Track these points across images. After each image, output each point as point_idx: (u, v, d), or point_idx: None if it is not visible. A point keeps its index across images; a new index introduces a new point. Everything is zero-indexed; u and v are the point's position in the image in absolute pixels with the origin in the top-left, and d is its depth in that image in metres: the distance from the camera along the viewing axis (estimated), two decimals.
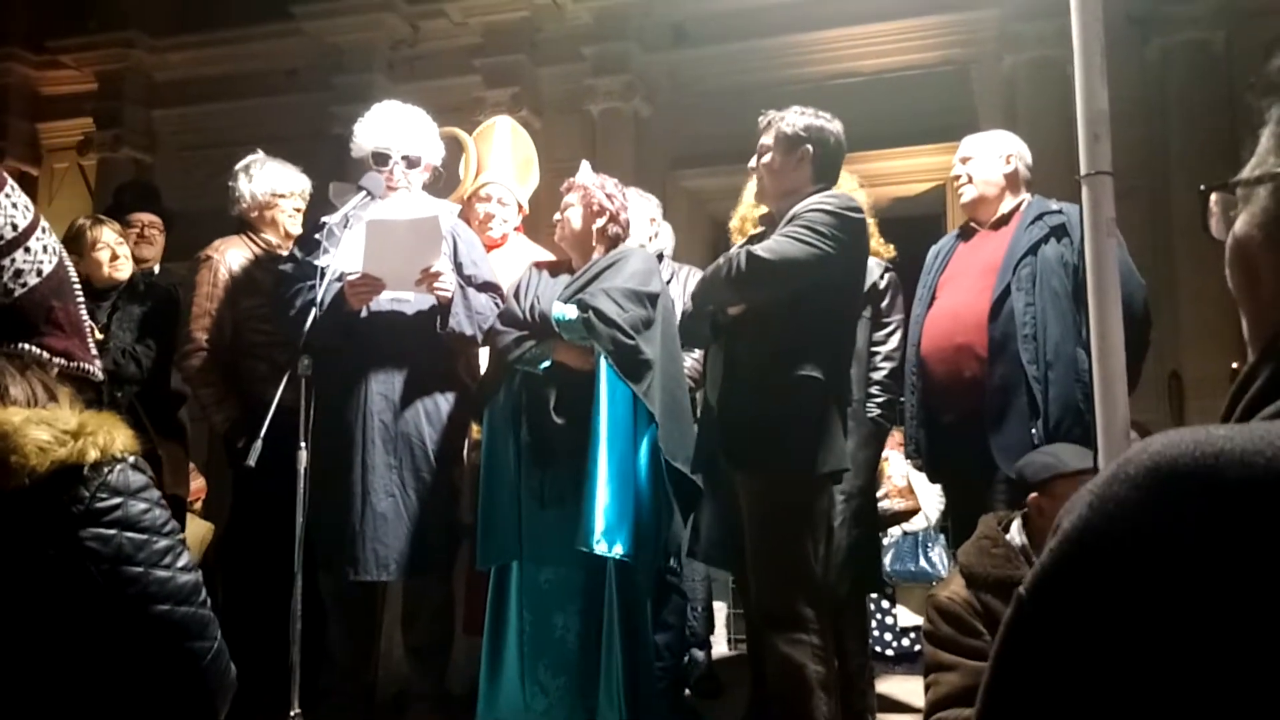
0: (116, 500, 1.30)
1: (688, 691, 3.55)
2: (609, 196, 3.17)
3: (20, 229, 1.50)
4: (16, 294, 1.50)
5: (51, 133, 7.23)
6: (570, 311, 2.97)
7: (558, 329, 2.98)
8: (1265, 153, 0.76)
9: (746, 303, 2.74)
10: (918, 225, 5.06)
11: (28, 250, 1.52)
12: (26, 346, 1.46)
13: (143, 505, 1.32)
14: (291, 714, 2.74)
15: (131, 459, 1.34)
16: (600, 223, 3.15)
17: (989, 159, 3.24)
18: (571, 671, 2.96)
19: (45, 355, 1.47)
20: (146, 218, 4.02)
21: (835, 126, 2.85)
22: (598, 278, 3.06)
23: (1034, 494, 2.55)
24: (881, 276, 3.28)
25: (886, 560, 4.41)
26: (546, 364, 3.01)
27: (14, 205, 1.50)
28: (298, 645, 2.75)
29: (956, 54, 5.70)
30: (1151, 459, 0.64)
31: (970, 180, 3.25)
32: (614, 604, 2.89)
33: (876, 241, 3.38)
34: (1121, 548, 0.62)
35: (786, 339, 2.67)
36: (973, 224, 3.32)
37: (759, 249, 2.67)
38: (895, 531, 4.47)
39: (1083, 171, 2.27)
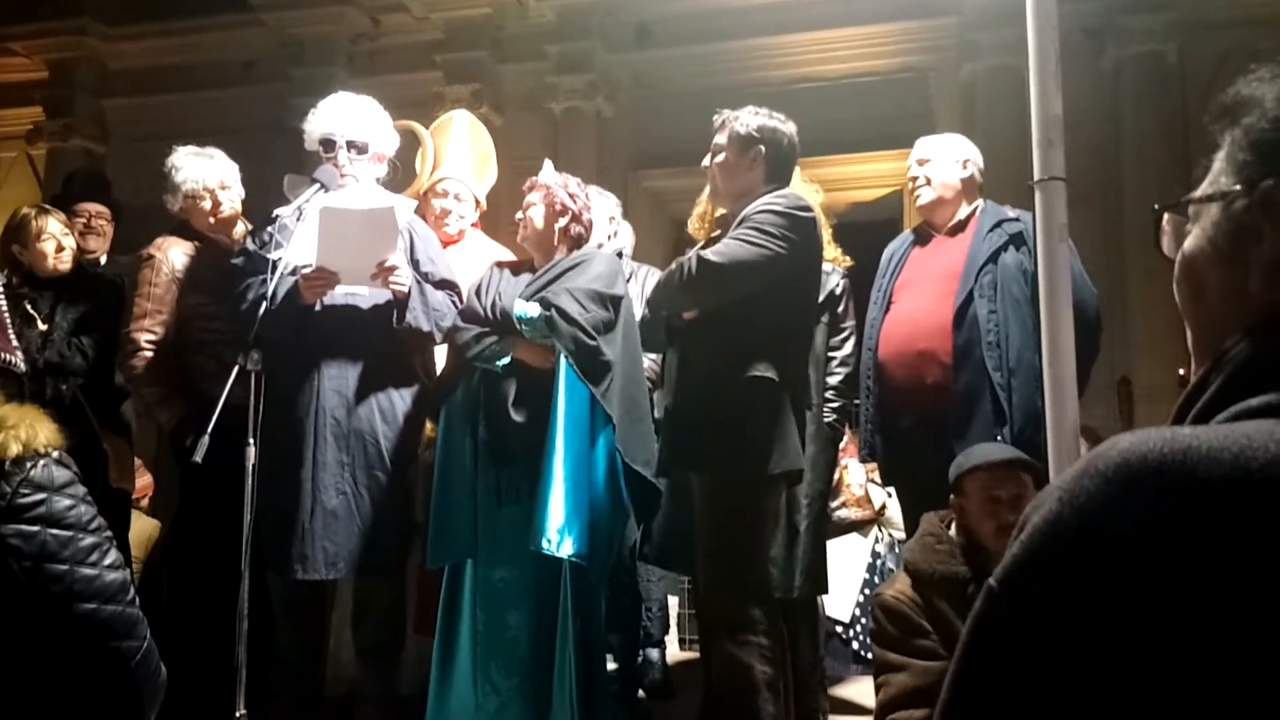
0: (40, 496, 1.26)
1: (641, 692, 3.54)
2: (571, 196, 3.15)
3: None
4: None
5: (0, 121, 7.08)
6: (532, 309, 2.95)
7: (519, 326, 2.96)
8: (1217, 174, 0.80)
9: (699, 307, 2.74)
10: (875, 230, 5.09)
11: None
12: None
13: (67, 501, 1.29)
14: (237, 715, 2.69)
15: (55, 454, 1.30)
16: (563, 222, 3.14)
17: (947, 163, 3.26)
18: (524, 672, 2.94)
19: None
20: (94, 208, 3.93)
21: (789, 128, 2.86)
22: (561, 277, 3.04)
23: (952, 495, 2.59)
24: (837, 284, 3.29)
25: (887, 568, 4.42)
26: (506, 361, 2.99)
27: None
28: (244, 645, 2.70)
29: (916, 60, 5.77)
30: (1121, 454, 0.66)
31: (928, 183, 3.26)
32: (568, 604, 2.88)
33: (834, 249, 3.40)
34: (1093, 539, 0.64)
35: (739, 340, 2.67)
36: (928, 227, 3.34)
37: (709, 253, 2.67)
38: (887, 538, 4.49)
39: (1036, 177, 2.30)
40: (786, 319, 2.74)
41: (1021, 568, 0.67)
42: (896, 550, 4.62)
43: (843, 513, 4.05)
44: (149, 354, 3.32)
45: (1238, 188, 0.77)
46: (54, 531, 1.26)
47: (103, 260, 3.95)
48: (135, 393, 3.52)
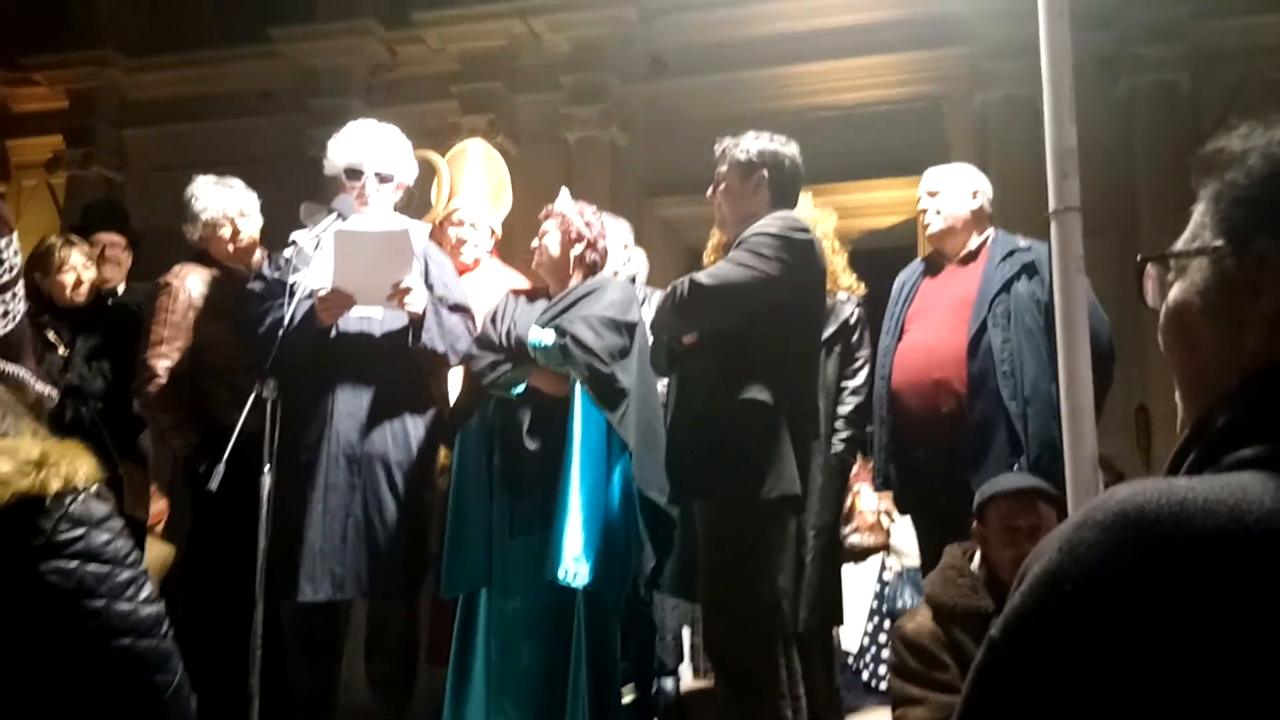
0: (79, 531, 1.25)
1: None
2: (587, 224, 3.17)
3: (18, 267, 1.48)
4: (13, 323, 1.46)
5: (21, 150, 7.16)
6: (547, 337, 2.96)
7: (533, 354, 2.96)
8: (1198, 227, 0.82)
9: (694, 330, 2.73)
10: (889, 257, 5.09)
11: (19, 281, 1.49)
12: (20, 373, 1.42)
13: (106, 536, 1.28)
14: None
15: (94, 488, 1.30)
16: (578, 250, 3.15)
17: (957, 193, 3.27)
18: (537, 702, 2.93)
19: (31, 381, 1.43)
20: (110, 237, 3.97)
21: (790, 149, 2.86)
22: (575, 304, 3.05)
23: (975, 523, 2.57)
24: (852, 313, 3.28)
25: (904, 596, 4.38)
26: (521, 389, 2.99)
27: (14, 250, 1.47)
28: (257, 672, 2.69)
29: (930, 90, 5.79)
30: (1119, 505, 0.68)
31: (939, 213, 3.26)
32: (582, 634, 2.86)
33: (849, 277, 3.39)
34: (1091, 589, 0.65)
35: (734, 364, 2.65)
36: (939, 257, 3.34)
37: (701, 275, 2.68)
38: (897, 566, 4.46)
39: (1051, 208, 2.30)
40: (784, 342, 2.71)
41: (1021, 618, 0.69)
42: (905, 578, 4.59)
43: (854, 539, 4.02)
44: (164, 380, 3.34)
45: (1220, 244, 0.79)
46: (92, 567, 1.25)
47: (119, 289, 3.98)
48: (151, 418, 3.54)
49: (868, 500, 4.09)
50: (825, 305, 2.94)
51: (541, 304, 3.15)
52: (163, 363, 3.35)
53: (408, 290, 3.00)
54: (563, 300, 3.10)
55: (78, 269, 3.62)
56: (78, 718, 1.25)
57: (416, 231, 3.24)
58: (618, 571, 2.88)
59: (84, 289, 3.62)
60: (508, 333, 3.06)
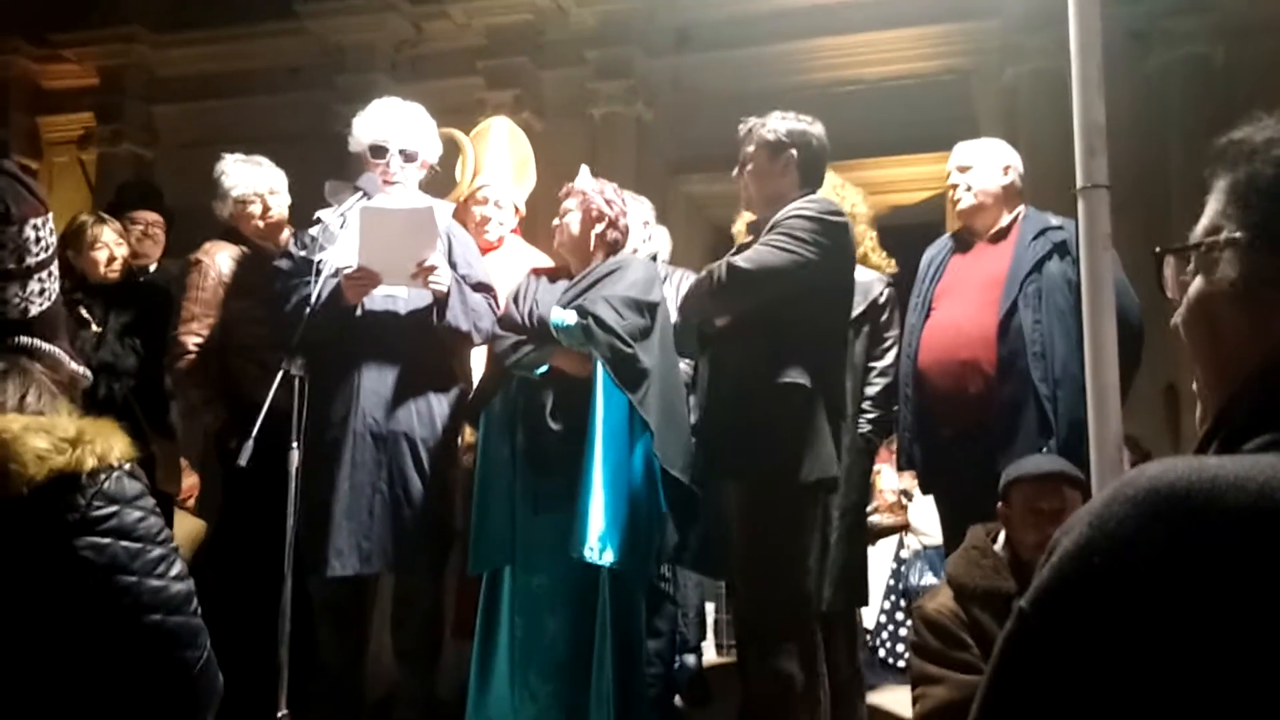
0: (112, 508, 1.28)
1: (677, 698, 3.53)
2: (608, 202, 3.16)
3: (53, 246, 1.48)
4: (50, 301, 1.47)
5: (52, 126, 7.23)
6: (569, 317, 2.96)
7: (556, 334, 2.97)
8: (1219, 217, 0.83)
9: (730, 314, 2.73)
10: (917, 233, 5.04)
11: (55, 259, 1.50)
12: (55, 351, 1.43)
13: (138, 514, 1.30)
14: (279, 715, 2.73)
15: (127, 466, 1.32)
16: (599, 228, 3.15)
17: (989, 169, 3.23)
18: (562, 678, 2.96)
19: (65, 360, 1.45)
20: (150, 217, 4.02)
21: (817, 129, 2.84)
22: (597, 284, 3.05)
23: (1000, 503, 2.57)
24: (881, 293, 3.26)
25: (913, 575, 4.39)
26: (543, 369, 3.00)
27: (49, 229, 1.47)
28: (286, 645, 2.74)
29: (958, 63, 5.71)
30: (1150, 481, 0.69)
31: (969, 189, 3.22)
32: (606, 611, 2.89)
33: (878, 255, 3.37)
34: (1121, 563, 0.67)
35: (771, 346, 2.65)
36: (968, 234, 3.30)
37: (739, 259, 2.67)
38: (915, 544, 4.46)
39: (1079, 185, 2.28)
40: (819, 325, 2.72)
41: (1051, 590, 0.70)
42: (922, 557, 4.58)
43: (875, 519, 4.02)
44: (194, 357, 3.39)
45: (1245, 235, 0.80)
46: (124, 543, 1.28)
47: (153, 267, 4.03)
48: (181, 394, 3.59)
49: (888, 480, 4.09)
50: (853, 286, 2.93)
51: (563, 284, 3.15)
52: (193, 339, 3.39)
53: (432, 268, 3.01)
54: (584, 280, 3.10)
55: (110, 246, 3.67)
56: (108, 692, 1.27)
57: (440, 209, 3.25)
58: (641, 549, 2.89)
59: (116, 266, 3.67)
60: (530, 313, 3.07)
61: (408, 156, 3.25)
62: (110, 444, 1.30)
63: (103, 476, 1.28)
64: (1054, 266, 3.05)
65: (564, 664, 2.95)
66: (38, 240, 1.43)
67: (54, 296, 1.47)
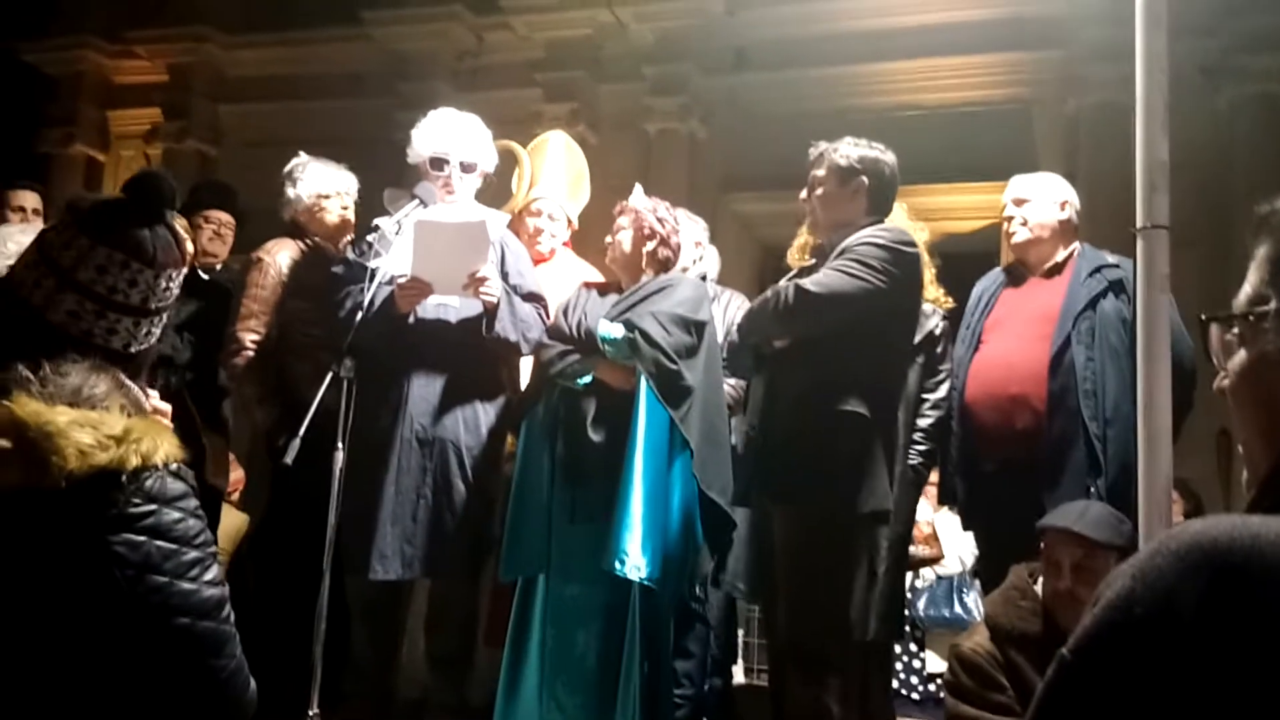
0: (150, 507, 1.28)
1: None
2: (660, 220, 3.18)
3: (175, 295, 1.55)
4: (149, 344, 1.53)
5: (120, 120, 7.41)
6: (616, 330, 2.98)
7: (602, 346, 2.99)
8: (1260, 285, 0.86)
9: (793, 336, 2.71)
10: (969, 263, 4.99)
11: (170, 309, 1.56)
12: (135, 390, 1.45)
13: (176, 515, 1.30)
14: (310, 713, 2.76)
15: (173, 466, 1.32)
16: (650, 246, 3.17)
17: (1045, 204, 3.19)
18: (589, 690, 2.95)
19: (144, 400, 1.46)
20: (224, 216, 4.09)
21: (889, 158, 2.83)
22: (646, 300, 3.07)
23: (1041, 544, 2.53)
24: (936, 325, 3.22)
25: (920, 604, 4.34)
26: (587, 380, 3.02)
27: (179, 282, 1.55)
28: (321, 643, 2.77)
29: (1019, 93, 5.66)
30: (1193, 536, 0.70)
31: (1024, 223, 3.19)
32: (636, 627, 2.88)
33: (936, 290, 3.32)
34: (1162, 614, 0.68)
35: (832, 373, 2.63)
36: (1021, 267, 3.26)
37: (807, 282, 2.64)
38: (929, 575, 4.41)
39: (1139, 224, 2.24)
40: (881, 355, 2.70)
41: (1092, 639, 0.71)
42: (936, 588, 4.50)
43: (912, 550, 3.96)
44: (250, 353, 3.45)
45: None
46: (159, 543, 1.27)
47: (218, 266, 4.10)
48: (235, 390, 3.65)
49: (922, 511, 4.03)
50: (918, 318, 2.90)
51: (612, 297, 3.17)
52: (250, 336, 3.46)
53: (484, 279, 3.05)
54: (633, 295, 3.12)
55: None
56: (133, 694, 1.26)
57: (494, 221, 3.29)
58: (674, 567, 2.89)
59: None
60: (578, 324, 3.09)
61: (467, 168, 3.29)
62: (156, 443, 1.30)
63: (145, 475, 1.28)
64: (1108, 305, 3.00)
65: (592, 677, 2.95)
66: (165, 289, 1.50)
67: (154, 340, 1.52)
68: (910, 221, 3.29)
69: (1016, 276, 3.27)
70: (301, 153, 3.71)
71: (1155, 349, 2.18)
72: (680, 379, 2.92)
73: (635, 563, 2.78)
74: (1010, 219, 3.22)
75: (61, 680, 1.24)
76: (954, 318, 3.35)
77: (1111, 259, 3.09)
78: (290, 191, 3.63)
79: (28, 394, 1.26)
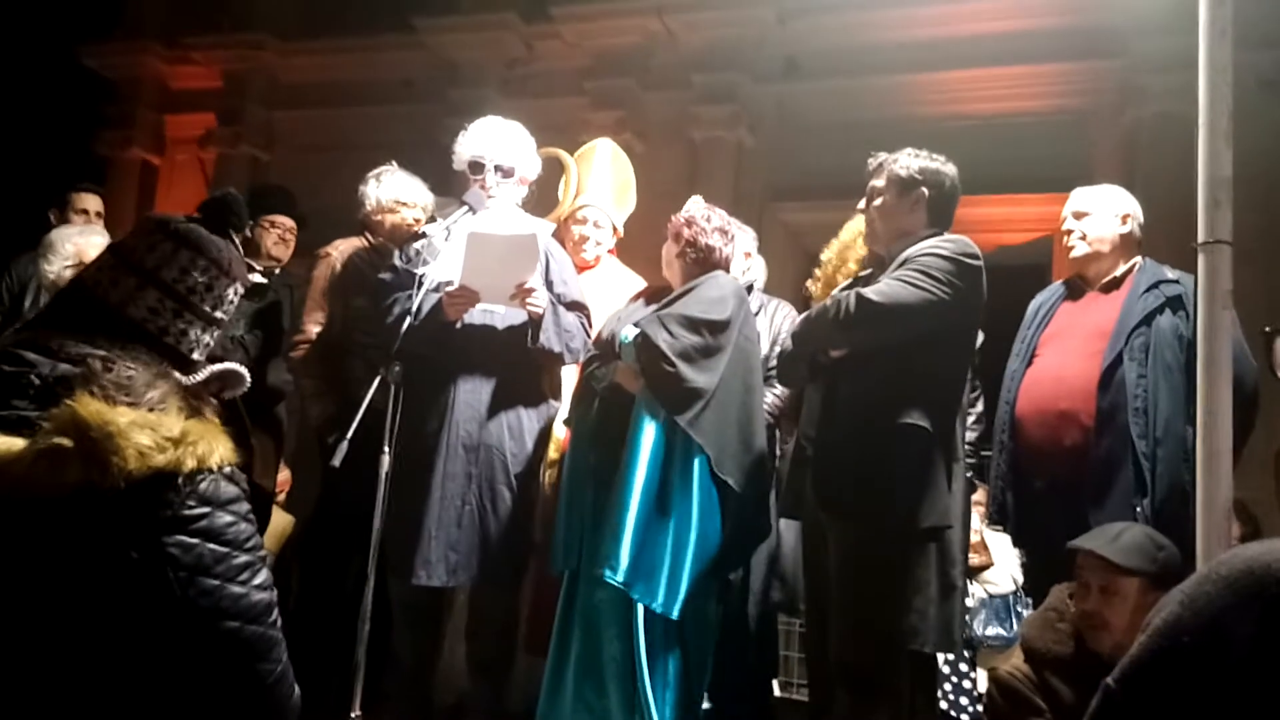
0: (204, 510, 1.29)
1: None
2: (716, 230, 3.17)
3: (233, 311, 1.61)
4: (205, 354, 1.57)
5: (176, 125, 7.56)
6: (631, 334, 2.98)
7: (618, 350, 3.00)
8: None
9: (853, 346, 2.66)
10: (1021, 275, 4.92)
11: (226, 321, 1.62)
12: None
13: (229, 518, 1.31)
14: (353, 715, 2.78)
15: (227, 469, 1.33)
16: (700, 256, 3.16)
17: (1105, 217, 3.13)
18: (617, 693, 2.94)
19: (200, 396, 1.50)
20: (288, 221, 4.16)
21: (950, 169, 2.80)
22: (673, 303, 3.06)
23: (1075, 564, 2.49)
24: (977, 341, 3.18)
25: (975, 623, 4.26)
26: (604, 384, 3.03)
27: (239, 296, 1.61)
28: (364, 645, 2.79)
29: (1075, 103, 5.57)
30: (1246, 563, 0.69)
31: (1084, 237, 3.13)
32: (636, 632, 2.85)
33: None
34: (1211, 642, 0.66)
35: (893, 385, 2.58)
36: (1080, 281, 3.20)
37: (869, 292, 2.59)
38: (981, 593, 4.33)
39: (1200, 239, 2.19)
40: (943, 367, 2.65)
41: (1139, 668, 0.69)
42: (988, 606, 4.41)
43: None
44: (311, 346, 3.53)
45: None
46: (211, 546, 1.29)
47: (276, 270, 4.17)
48: (296, 382, 3.72)
49: (973, 521, 3.97)
50: (978, 331, 2.85)
51: (654, 305, 3.17)
52: (314, 328, 3.54)
53: (530, 290, 3.08)
54: (666, 299, 3.11)
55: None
56: (179, 696, 1.27)
57: (541, 231, 3.30)
58: (686, 573, 2.83)
59: None
60: (610, 331, 3.12)
61: (504, 172, 3.32)
62: (212, 447, 1.31)
63: (200, 478, 1.29)
64: (1165, 321, 2.93)
65: (620, 680, 2.93)
66: (231, 301, 1.57)
67: (207, 353, 1.56)
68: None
69: (1075, 290, 3.21)
70: (393, 161, 3.79)
71: (1216, 366, 2.13)
72: (680, 381, 2.86)
73: (618, 566, 2.75)
74: (1069, 232, 3.16)
75: (109, 678, 1.25)
76: (998, 325, 3.28)
77: (1171, 274, 3.03)
78: (371, 192, 3.71)
79: (90, 393, 1.28)
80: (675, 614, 2.85)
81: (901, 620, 2.54)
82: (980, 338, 3.18)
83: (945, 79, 5.72)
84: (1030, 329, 3.19)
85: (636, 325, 2.98)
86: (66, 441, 1.23)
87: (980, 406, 3.17)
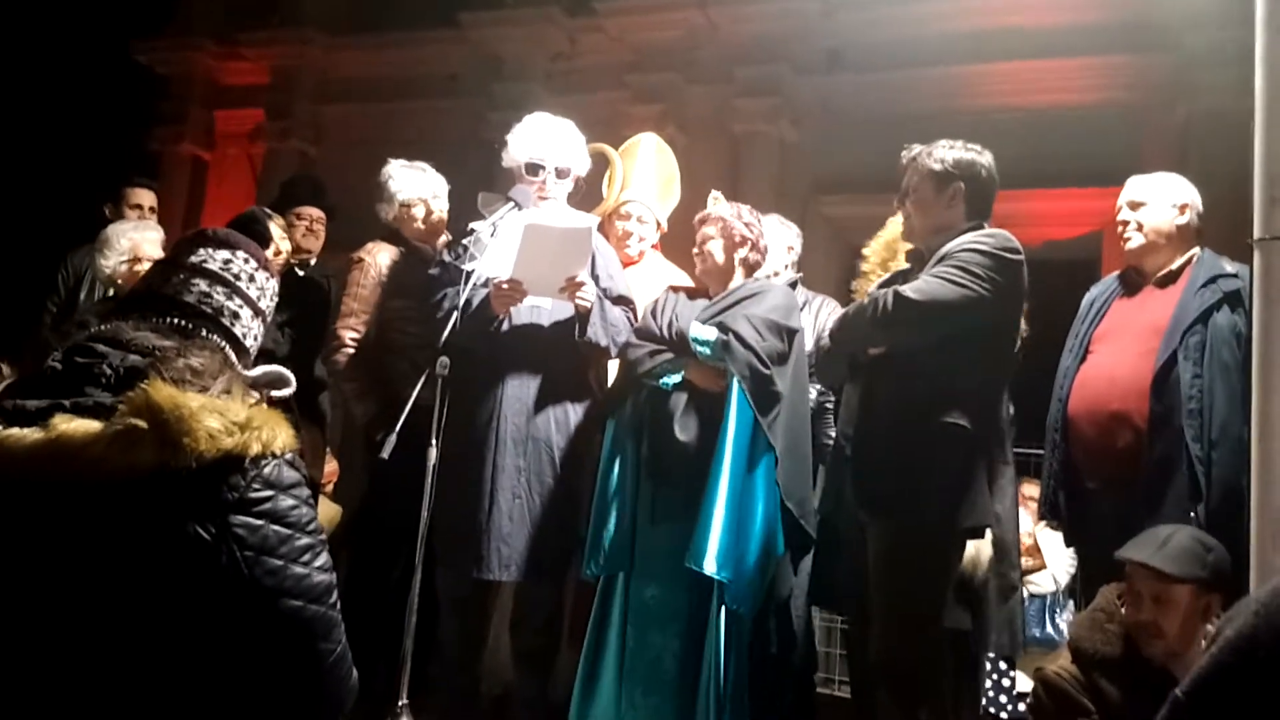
0: (268, 493, 1.33)
1: None
2: (748, 225, 3.18)
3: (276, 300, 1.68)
4: (255, 345, 1.64)
5: (226, 120, 7.65)
6: (709, 332, 2.98)
7: (695, 348, 2.99)
8: None
9: (891, 345, 2.64)
10: (1070, 270, 4.86)
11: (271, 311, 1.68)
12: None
13: (291, 501, 1.35)
14: (399, 703, 2.82)
15: (289, 455, 1.38)
16: (742, 253, 3.18)
17: (1162, 207, 3.02)
18: (666, 693, 2.95)
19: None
20: (315, 212, 4.23)
21: (986, 159, 2.73)
22: (738, 304, 3.06)
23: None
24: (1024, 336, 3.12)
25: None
26: (676, 380, 3.02)
27: (276, 287, 1.67)
28: (412, 636, 2.83)
29: (1125, 97, 5.47)
30: None
31: (1139, 228, 3.03)
32: (717, 630, 2.87)
33: None
34: None
35: (932, 384, 2.56)
36: (1135, 275, 3.10)
37: (907, 290, 2.57)
38: (1023, 593, 4.30)
39: (1256, 235, 2.15)
40: (983, 365, 2.61)
41: (1209, 680, 0.68)
42: (1035, 605, 4.37)
43: None
44: (351, 350, 3.55)
45: None
46: (275, 527, 1.33)
47: (313, 261, 4.22)
48: (336, 386, 3.76)
49: (1024, 523, 3.93)
50: (1019, 328, 2.79)
51: (702, 302, 3.17)
52: (350, 334, 3.56)
53: (580, 284, 3.09)
54: (725, 299, 3.12)
55: (274, 240, 3.87)
56: (241, 674, 1.31)
57: (585, 223, 3.31)
58: (754, 572, 2.86)
59: (280, 259, 3.86)
60: (669, 325, 3.10)
61: (561, 173, 3.34)
62: (275, 433, 1.35)
63: (265, 462, 1.34)
64: (1222, 318, 2.83)
65: (669, 679, 2.95)
66: (271, 296, 1.64)
67: (257, 347, 1.62)
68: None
69: (1130, 285, 3.10)
70: (390, 160, 3.80)
71: (1272, 365, 2.10)
72: (771, 384, 2.91)
73: (716, 560, 2.77)
74: (1125, 224, 3.06)
75: (178, 655, 1.29)
76: (1046, 320, 3.22)
77: (1230, 267, 2.92)
78: (385, 198, 3.73)
79: (161, 378, 1.32)
80: (750, 612, 2.87)
81: (938, 626, 2.53)
82: (1024, 331, 3.14)
83: (992, 71, 5.65)
84: (1084, 324, 3.11)
85: (715, 324, 2.98)
86: (141, 423, 1.27)
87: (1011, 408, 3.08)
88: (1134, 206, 3.06)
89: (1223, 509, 2.69)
